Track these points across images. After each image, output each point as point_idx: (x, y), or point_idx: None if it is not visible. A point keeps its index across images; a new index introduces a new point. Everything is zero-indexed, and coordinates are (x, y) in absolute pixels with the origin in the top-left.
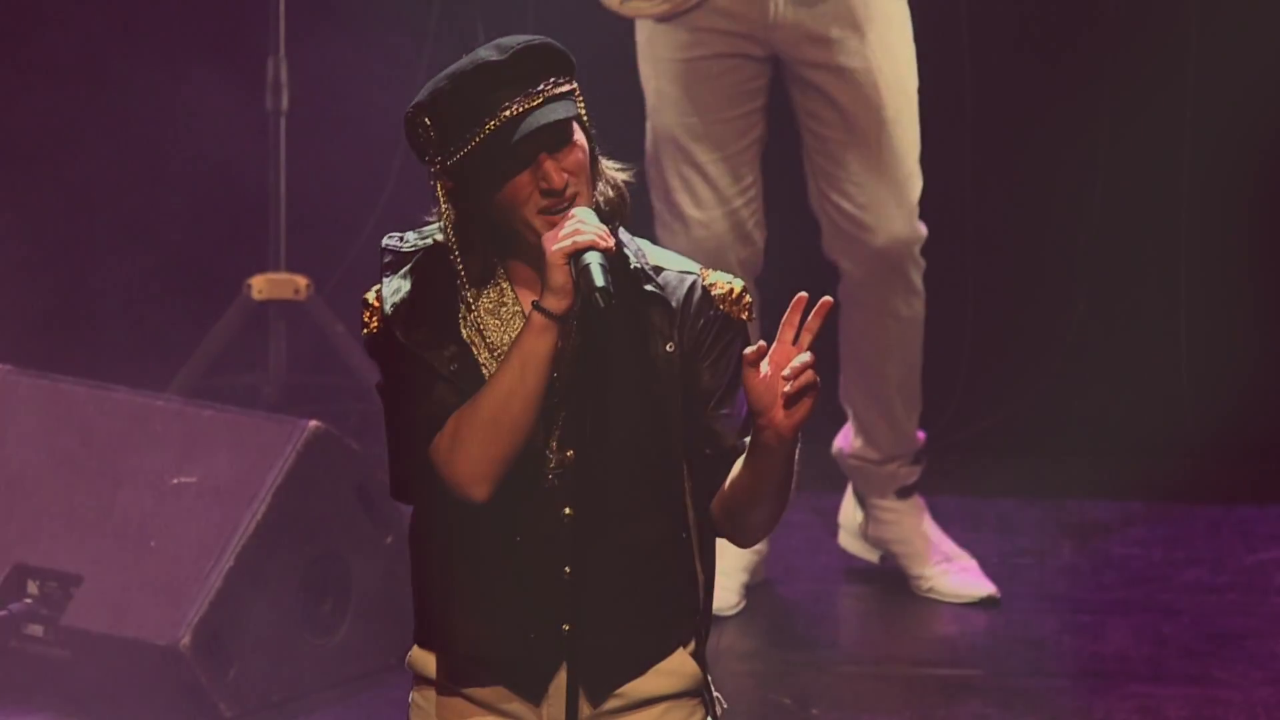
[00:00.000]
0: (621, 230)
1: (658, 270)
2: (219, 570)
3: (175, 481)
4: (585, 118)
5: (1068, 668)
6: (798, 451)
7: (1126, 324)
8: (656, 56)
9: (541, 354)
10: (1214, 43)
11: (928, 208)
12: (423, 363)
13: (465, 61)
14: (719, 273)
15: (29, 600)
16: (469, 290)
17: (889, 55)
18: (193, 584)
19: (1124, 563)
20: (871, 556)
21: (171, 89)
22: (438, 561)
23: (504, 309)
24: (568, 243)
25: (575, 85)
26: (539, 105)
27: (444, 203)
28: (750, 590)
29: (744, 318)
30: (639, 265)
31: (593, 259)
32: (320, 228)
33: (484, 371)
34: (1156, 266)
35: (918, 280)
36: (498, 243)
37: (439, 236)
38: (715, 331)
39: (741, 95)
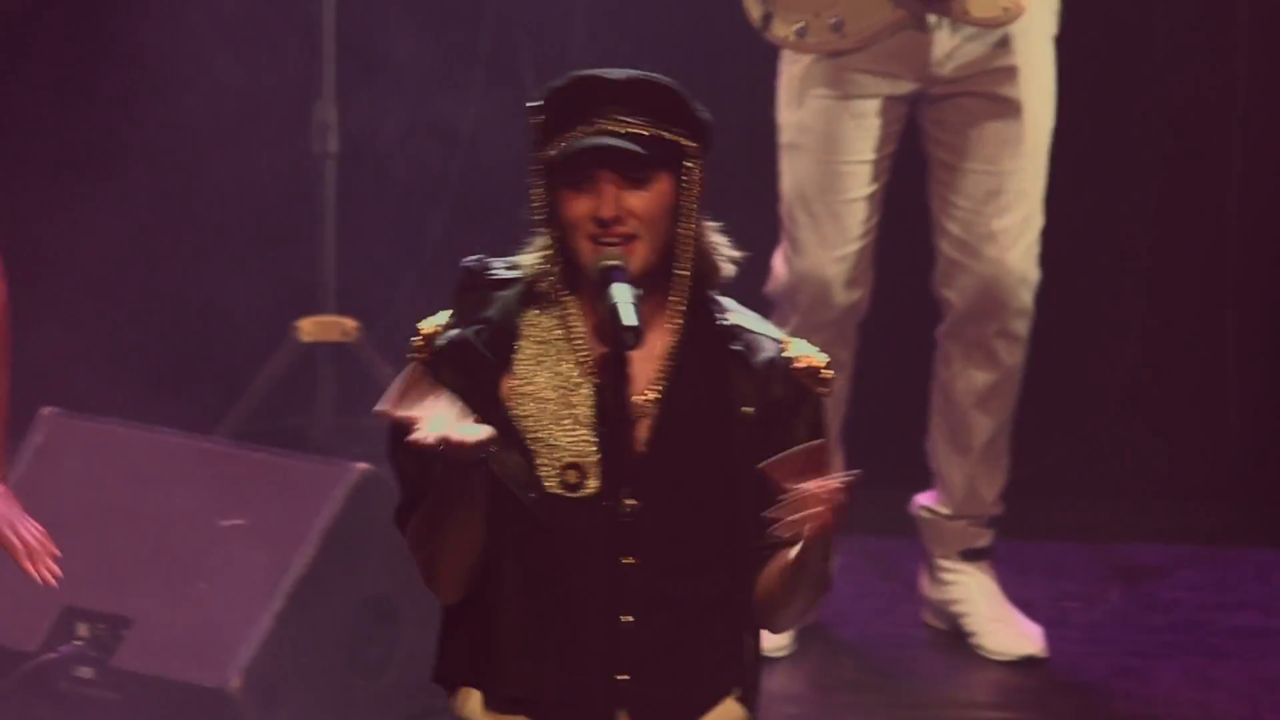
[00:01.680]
0: None
1: (743, 331)
2: (268, 613)
3: (224, 524)
4: (691, 181)
5: (1116, 712)
6: (831, 558)
7: (1176, 367)
8: (806, 92)
9: (450, 492)
10: (1262, 87)
11: None
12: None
13: (590, 70)
14: (802, 343)
15: (79, 642)
16: (531, 312)
17: (1038, 90)
18: (241, 626)
19: (1173, 606)
20: (941, 624)
21: (220, 132)
22: (490, 599)
23: (572, 344)
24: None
25: (693, 144)
26: (627, 134)
27: (538, 201)
28: (800, 633)
29: (821, 392)
30: (726, 323)
31: (621, 296)
32: (368, 270)
33: (517, 422)
34: (1206, 309)
35: (1021, 328)
36: (569, 262)
37: (521, 272)
38: (788, 410)
39: (884, 138)
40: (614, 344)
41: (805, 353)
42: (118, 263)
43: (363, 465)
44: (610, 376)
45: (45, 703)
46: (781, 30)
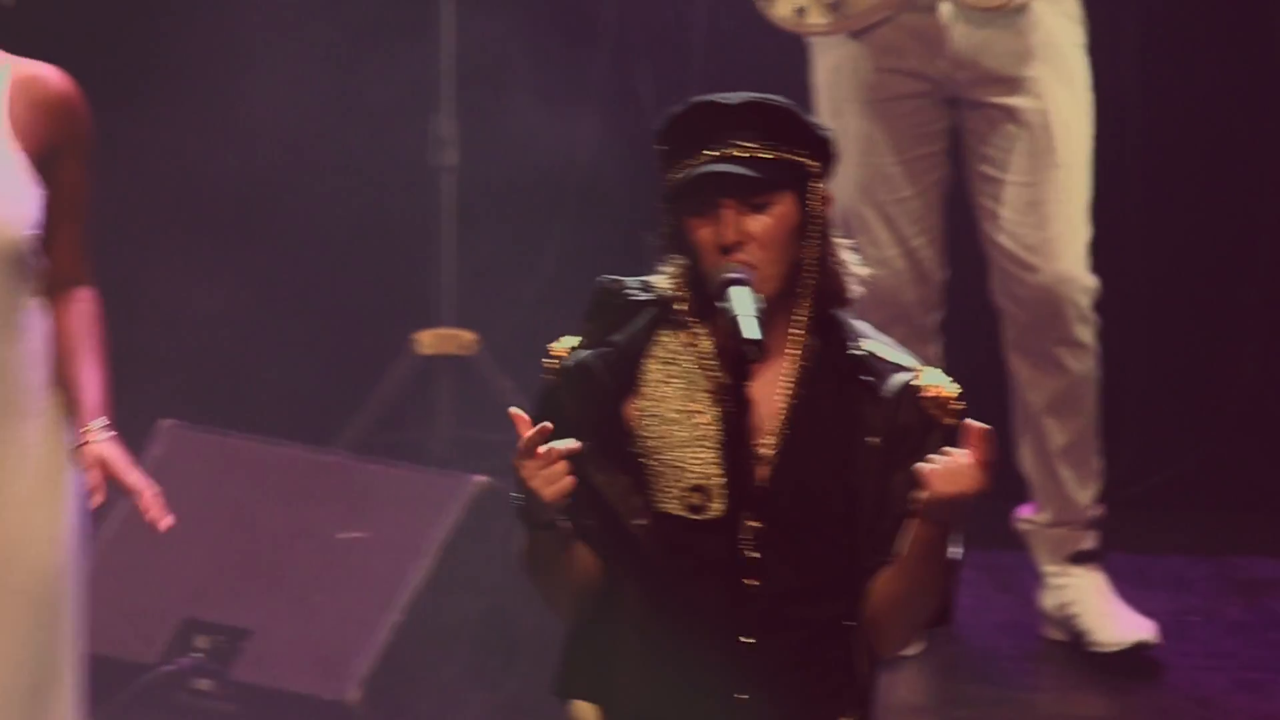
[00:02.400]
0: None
1: (875, 359)
2: (387, 625)
3: (343, 536)
4: (815, 200)
5: None
6: (951, 567)
7: None
8: (839, 96)
9: (537, 554)
10: None
11: (1097, 262)
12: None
13: (706, 95)
14: (934, 372)
15: (198, 654)
16: (660, 335)
17: (1066, 99)
18: (361, 639)
19: None
20: (1059, 634)
21: (339, 145)
22: (612, 617)
23: (700, 367)
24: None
25: (815, 164)
26: (746, 158)
27: (667, 227)
28: (930, 634)
29: (950, 422)
30: (858, 352)
31: (742, 308)
32: (487, 283)
33: (638, 445)
34: None
35: (1085, 334)
36: (698, 286)
37: (657, 293)
38: (915, 440)
39: (924, 137)
40: (736, 358)
41: (936, 382)
42: (236, 275)
43: (481, 478)
44: (736, 399)
45: (164, 715)
46: (781, 9)
